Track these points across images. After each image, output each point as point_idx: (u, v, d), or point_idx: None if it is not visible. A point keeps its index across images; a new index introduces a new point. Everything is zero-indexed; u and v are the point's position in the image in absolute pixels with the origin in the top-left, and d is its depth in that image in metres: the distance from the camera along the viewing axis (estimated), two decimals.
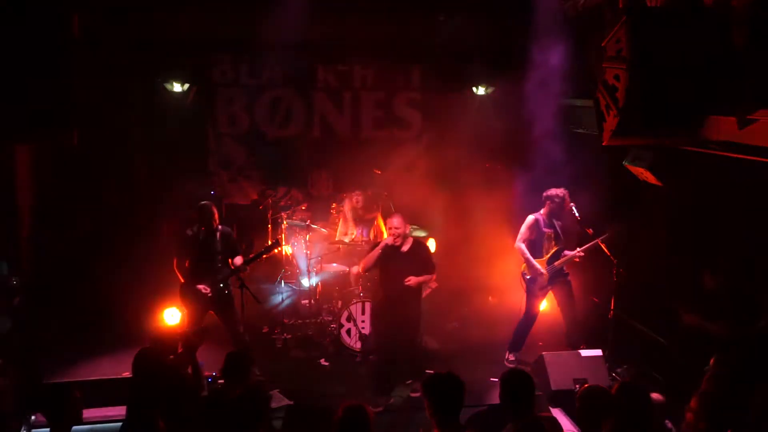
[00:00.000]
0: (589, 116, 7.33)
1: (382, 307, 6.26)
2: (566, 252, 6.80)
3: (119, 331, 7.19)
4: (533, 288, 6.83)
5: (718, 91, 4.35)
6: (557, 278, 6.82)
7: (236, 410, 3.83)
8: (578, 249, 6.75)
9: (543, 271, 6.75)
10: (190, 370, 4.86)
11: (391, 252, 6.07)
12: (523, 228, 6.84)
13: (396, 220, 6.07)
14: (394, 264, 6.08)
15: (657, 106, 4.42)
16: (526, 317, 6.96)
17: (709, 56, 4.31)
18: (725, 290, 5.59)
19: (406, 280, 6.02)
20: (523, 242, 6.82)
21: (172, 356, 4.80)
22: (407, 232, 6.19)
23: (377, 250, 6.08)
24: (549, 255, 6.79)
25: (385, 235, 8.01)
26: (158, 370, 4.51)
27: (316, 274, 7.83)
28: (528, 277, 6.84)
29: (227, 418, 3.91)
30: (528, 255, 6.78)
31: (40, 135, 5.04)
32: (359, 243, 7.75)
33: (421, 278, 6.12)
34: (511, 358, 6.99)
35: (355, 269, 7.62)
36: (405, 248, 6.12)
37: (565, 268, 6.86)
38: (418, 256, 6.16)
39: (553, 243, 6.80)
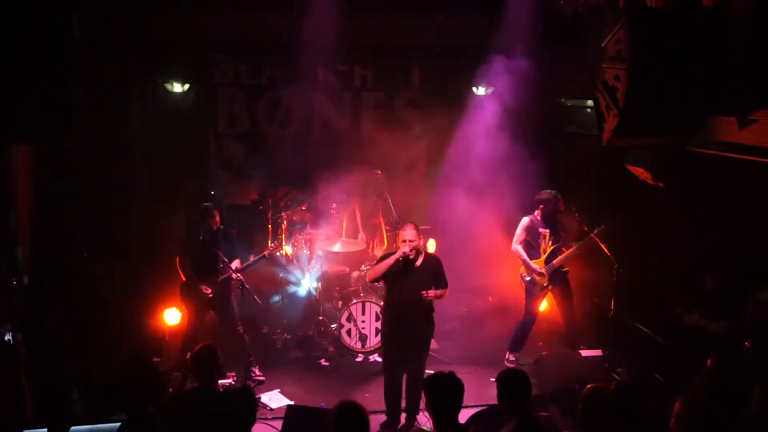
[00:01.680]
0: (588, 116, 7.35)
1: (392, 325, 5.74)
2: (564, 249, 6.80)
3: (119, 331, 7.18)
4: (532, 289, 6.85)
5: (718, 91, 4.35)
6: (556, 278, 6.82)
7: (224, 411, 3.83)
8: (574, 246, 6.76)
9: (541, 271, 6.76)
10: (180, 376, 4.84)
11: (403, 266, 5.56)
12: (519, 230, 6.86)
13: (410, 232, 5.53)
14: (406, 279, 5.57)
15: (657, 107, 4.43)
16: (526, 317, 6.97)
17: (709, 56, 4.31)
18: (725, 290, 5.60)
19: (425, 293, 5.51)
20: (520, 244, 6.83)
21: (157, 359, 4.78)
22: (421, 244, 5.73)
23: (390, 261, 5.53)
24: (546, 255, 6.79)
25: (386, 241, 8.04)
26: (144, 372, 4.52)
27: (316, 274, 7.82)
28: (527, 278, 6.85)
29: (214, 418, 3.91)
30: (525, 256, 6.80)
31: (40, 135, 5.04)
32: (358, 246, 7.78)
33: (438, 292, 5.61)
34: (512, 358, 7.00)
35: (356, 274, 7.61)
36: (418, 262, 5.65)
37: (564, 266, 6.85)
38: (431, 271, 5.68)
39: (550, 242, 6.81)
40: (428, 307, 5.72)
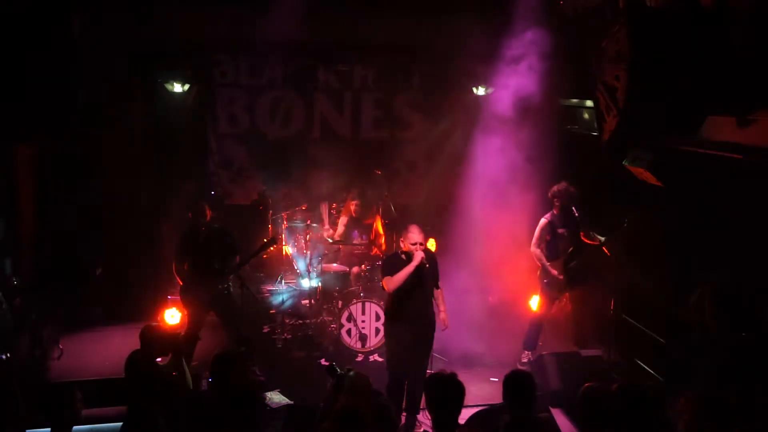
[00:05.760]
0: (588, 116, 7.36)
1: (405, 330, 5.65)
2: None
3: (120, 331, 7.19)
4: (550, 291, 6.81)
5: (718, 91, 4.35)
6: (576, 280, 6.78)
7: (227, 414, 3.83)
8: (599, 237, 6.70)
9: (557, 274, 6.71)
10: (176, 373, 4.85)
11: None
12: (537, 232, 6.78)
13: (418, 235, 5.50)
14: (415, 281, 5.54)
15: (657, 107, 4.44)
16: (539, 316, 6.93)
17: (709, 56, 4.31)
18: (725, 289, 5.59)
19: (443, 328, 5.81)
20: (538, 246, 6.78)
21: (159, 359, 4.79)
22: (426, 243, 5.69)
23: (409, 270, 5.44)
24: (566, 255, 6.74)
25: (383, 236, 8.03)
26: (146, 372, 4.53)
27: (317, 274, 7.83)
28: (545, 280, 6.80)
29: (217, 421, 3.91)
30: (543, 260, 6.75)
31: (41, 135, 5.05)
32: (359, 245, 7.77)
33: (445, 306, 5.86)
34: (524, 359, 6.93)
35: (355, 271, 7.62)
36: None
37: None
38: (433, 268, 5.69)
39: (570, 243, 6.75)
40: (432, 307, 5.76)
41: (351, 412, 3.46)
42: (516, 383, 3.77)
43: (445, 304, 5.90)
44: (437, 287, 5.84)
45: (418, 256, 5.45)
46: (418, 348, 5.68)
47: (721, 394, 3.76)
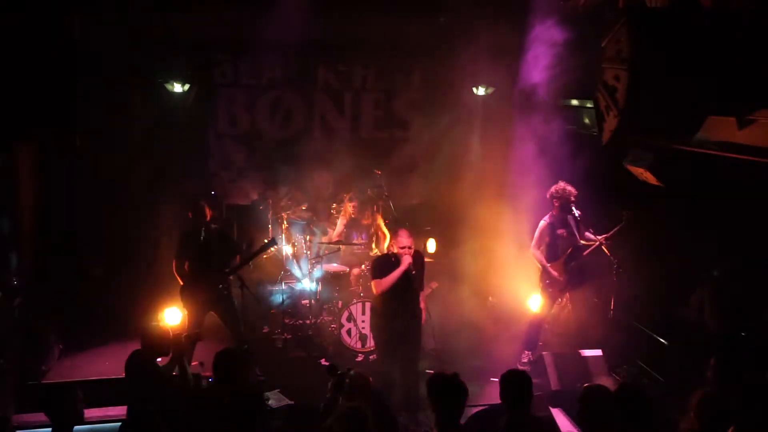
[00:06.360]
0: (588, 116, 7.36)
1: (394, 332, 5.79)
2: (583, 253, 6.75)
3: (120, 331, 7.19)
4: (550, 291, 6.81)
5: (718, 91, 4.35)
6: (577, 280, 6.79)
7: (228, 412, 3.83)
8: (599, 237, 6.70)
9: (557, 276, 6.71)
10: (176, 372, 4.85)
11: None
12: (537, 233, 6.78)
13: (407, 239, 5.67)
14: (403, 283, 5.72)
15: (657, 107, 4.43)
16: (540, 316, 6.94)
17: (709, 56, 4.31)
18: (725, 289, 5.61)
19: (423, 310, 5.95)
20: (538, 248, 6.78)
21: (159, 358, 4.80)
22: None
23: (398, 273, 5.65)
24: (566, 256, 6.75)
25: (387, 235, 8.03)
26: (146, 372, 4.54)
27: (317, 274, 7.82)
28: (546, 281, 6.80)
29: (218, 420, 3.91)
30: (543, 262, 6.74)
31: (42, 135, 5.05)
32: (359, 245, 7.77)
33: (424, 296, 6.03)
34: (524, 359, 6.94)
35: (356, 272, 7.62)
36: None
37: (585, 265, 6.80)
38: (419, 269, 5.86)
39: (570, 243, 6.75)
40: (419, 304, 5.96)
41: (356, 412, 3.46)
42: (512, 382, 3.78)
43: (424, 302, 6.10)
44: (422, 288, 6.00)
45: (406, 260, 5.64)
46: (406, 346, 5.81)
47: (721, 394, 3.78)
